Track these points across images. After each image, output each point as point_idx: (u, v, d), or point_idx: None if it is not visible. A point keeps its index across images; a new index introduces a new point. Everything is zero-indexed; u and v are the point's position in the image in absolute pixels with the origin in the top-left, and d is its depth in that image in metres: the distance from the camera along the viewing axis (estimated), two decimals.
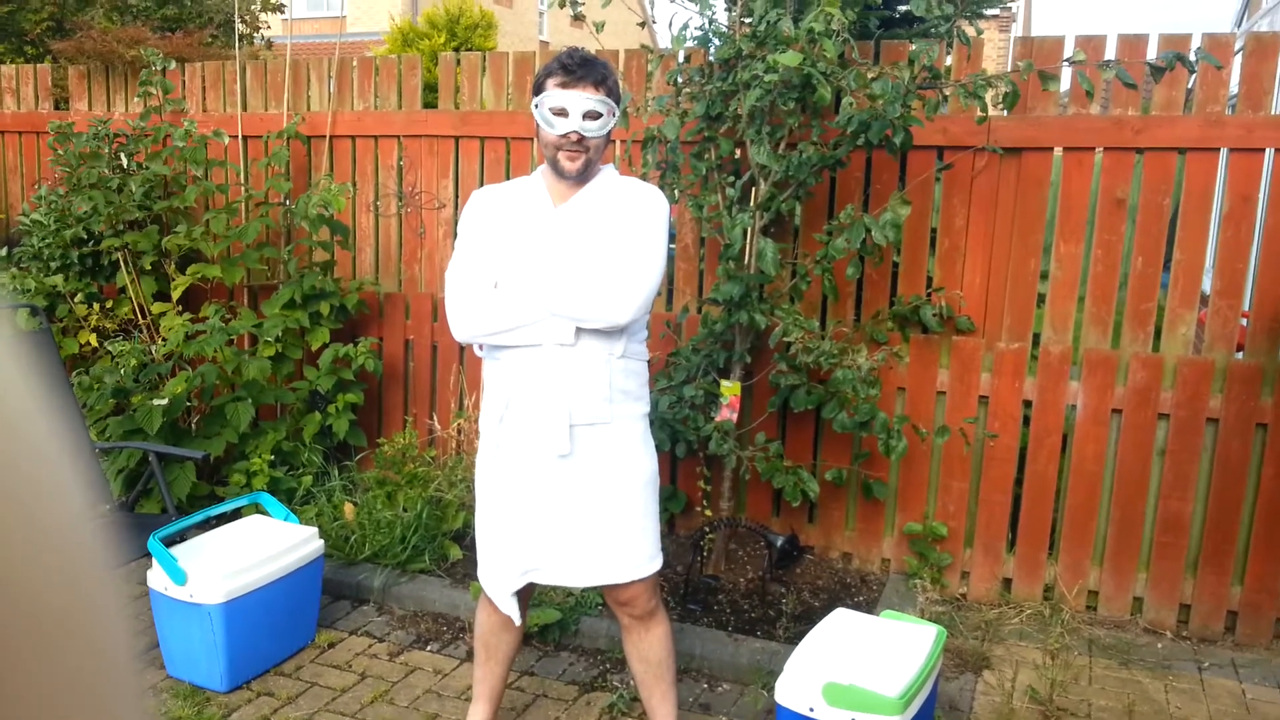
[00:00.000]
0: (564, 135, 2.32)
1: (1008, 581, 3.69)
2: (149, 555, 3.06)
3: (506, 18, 23.02)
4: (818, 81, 3.06)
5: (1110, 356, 3.49)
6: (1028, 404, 3.60)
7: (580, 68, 2.32)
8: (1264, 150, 3.28)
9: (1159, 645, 3.43)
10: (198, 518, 3.26)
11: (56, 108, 5.20)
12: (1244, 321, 3.44)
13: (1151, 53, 3.27)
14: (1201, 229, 3.38)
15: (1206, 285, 3.50)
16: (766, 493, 3.93)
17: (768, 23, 3.19)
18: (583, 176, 2.39)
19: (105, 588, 0.34)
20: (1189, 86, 3.39)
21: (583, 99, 2.31)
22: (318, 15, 20.86)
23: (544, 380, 2.34)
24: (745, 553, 3.90)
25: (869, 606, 3.52)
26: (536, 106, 2.35)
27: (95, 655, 0.33)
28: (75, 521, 0.33)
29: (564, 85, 2.31)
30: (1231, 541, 3.43)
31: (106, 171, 4.40)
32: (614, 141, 3.74)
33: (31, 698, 0.30)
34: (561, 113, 2.31)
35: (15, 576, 0.30)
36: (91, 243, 4.42)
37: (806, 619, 3.32)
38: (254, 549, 3.17)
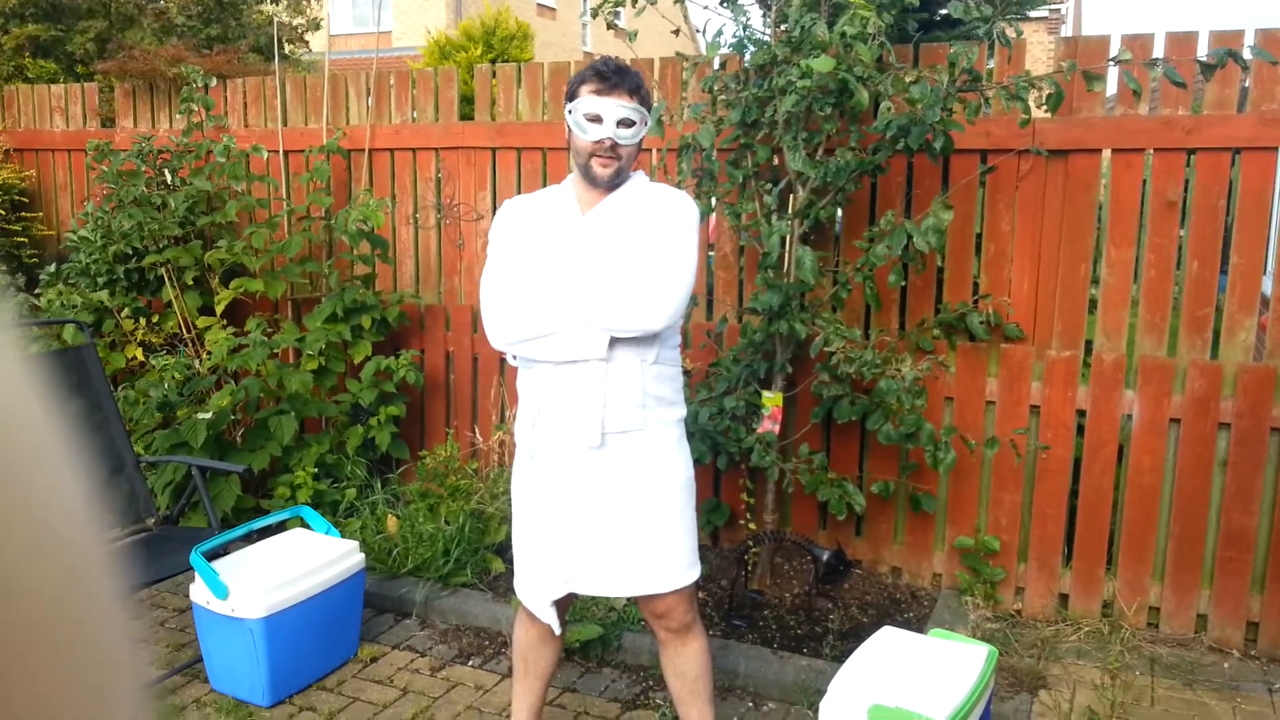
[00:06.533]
0: (598, 142, 2.33)
1: (1064, 597, 3.58)
2: (192, 569, 3.08)
3: (549, 29, 23.17)
4: (854, 86, 3.00)
5: (1166, 364, 3.37)
6: (1081, 413, 3.50)
7: (615, 75, 2.34)
8: None
9: (1225, 664, 3.30)
10: (239, 532, 3.27)
11: (103, 126, 5.29)
12: None
13: (1202, 50, 3.16)
14: (1259, 231, 3.25)
15: (1267, 288, 3.38)
16: (812, 505, 3.86)
17: (802, 28, 3.14)
18: (614, 183, 2.40)
19: (103, 584, 0.34)
20: (1243, 84, 3.27)
21: (617, 106, 2.32)
22: (362, 31, 21.14)
23: (578, 389, 2.32)
24: (791, 567, 3.83)
25: (919, 623, 3.44)
26: (570, 112, 2.37)
27: (93, 653, 0.33)
28: (73, 518, 0.33)
29: (598, 92, 2.33)
30: None
31: (147, 189, 4.46)
32: (648, 150, 3.71)
33: (29, 697, 0.30)
34: (596, 119, 2.33)
35: (12, 576, 0.30)
36: (136, 259, 4.48)
37: (854, 636, 3.25)
38: (295, 563, 3.17)
